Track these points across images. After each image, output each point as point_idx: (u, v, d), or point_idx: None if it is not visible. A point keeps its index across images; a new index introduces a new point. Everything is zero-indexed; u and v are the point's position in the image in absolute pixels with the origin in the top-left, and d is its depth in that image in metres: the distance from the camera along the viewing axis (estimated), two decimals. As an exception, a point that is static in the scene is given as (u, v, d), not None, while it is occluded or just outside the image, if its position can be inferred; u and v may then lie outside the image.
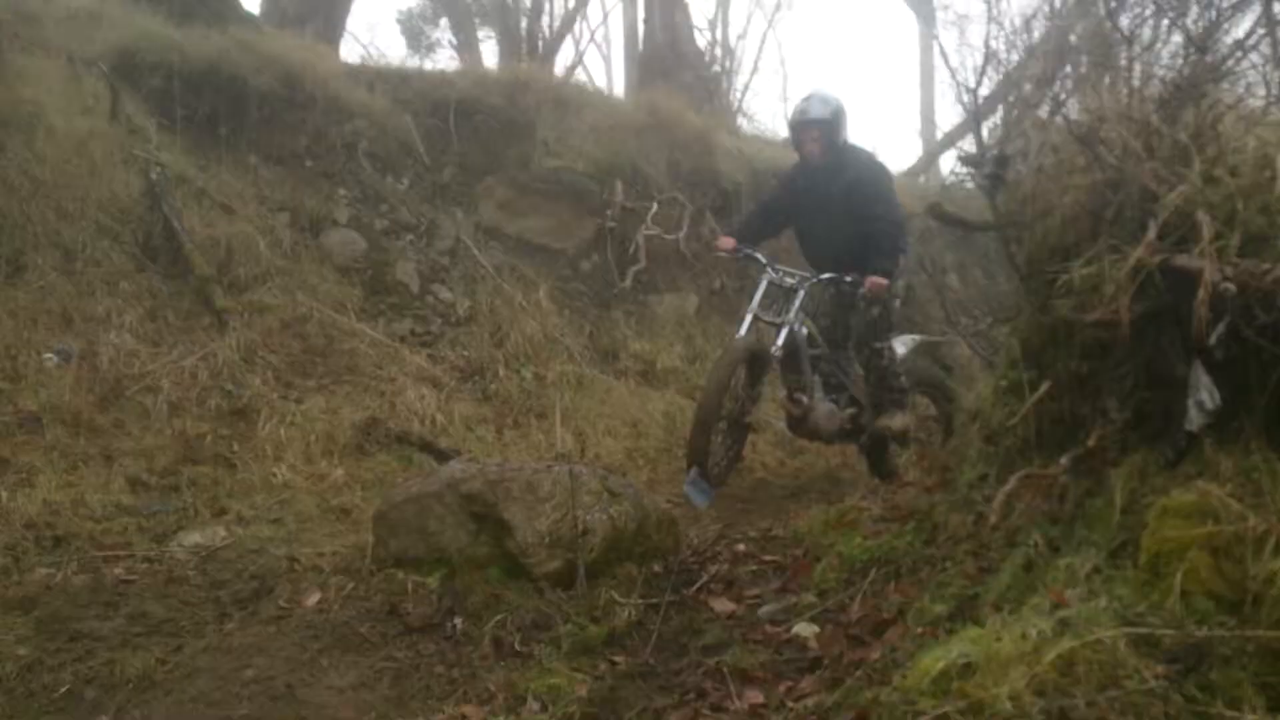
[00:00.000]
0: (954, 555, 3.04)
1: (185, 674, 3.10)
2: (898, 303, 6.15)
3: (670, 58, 12.20)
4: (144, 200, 6.98)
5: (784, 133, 14.40)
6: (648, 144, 9.26)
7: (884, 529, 3.40)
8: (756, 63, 23.67)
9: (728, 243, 5.99)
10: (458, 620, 3.32)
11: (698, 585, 3.46)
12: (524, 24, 14.18)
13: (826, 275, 5.67)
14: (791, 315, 5.55)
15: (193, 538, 4.52)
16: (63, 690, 3.08)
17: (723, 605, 3.31)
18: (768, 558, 3.57)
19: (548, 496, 3.62)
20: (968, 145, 12.18)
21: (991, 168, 3.29)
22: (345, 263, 7.66)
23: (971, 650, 2.24)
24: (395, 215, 8.26)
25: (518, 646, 3.19)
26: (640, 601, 3.37)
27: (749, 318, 5.57)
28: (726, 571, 3.53)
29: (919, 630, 2.71)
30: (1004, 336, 4.29)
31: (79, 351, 5.91)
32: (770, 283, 5.63)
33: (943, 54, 22.14)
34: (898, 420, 5.83)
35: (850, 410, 5.90)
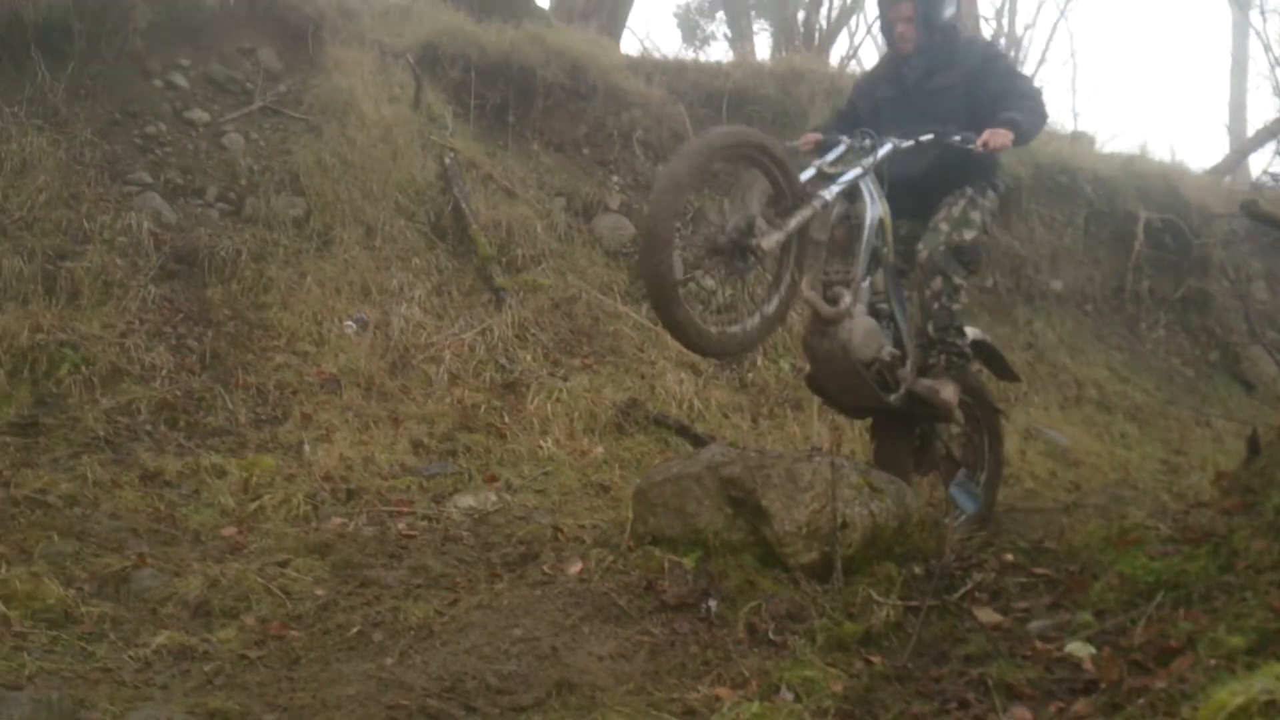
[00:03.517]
0: (1256, 585, 2.78)
1: (460, 627, 3.30)
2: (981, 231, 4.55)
3: (951, 47, 11.75)
4: (437, 183, 7.48)
5: (1071, 125, 13.60)
6: (923, 134, 8.99)
7: (1173, 550, 3.14)
8: (1044, 54, 22.70)
9: (811, 136, 4.55)
10: (713, 602, 3.35)
11: (961, 592, 3.32)
12: (801, 15, 14.08)
13: (927, 135, 4.28)
14: (868, 161, 4.17)
15: (467, 500, 4.83)
16: (354, 631, 3.35)
17: (988, 615, 3.17)
18: (1039, 570, 3.38)
19: (807, 487, 3.57)
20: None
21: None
22: (614, 247, 7.89)
23: (1276, 686, 2.04)
24: (664, 202, 8.42)
25: (772, 635, 3.17)
26: (899, 602, 3.28)
27: (811, 170, 4.13)
28: (993, 581, 3.36)
29: (1211, 662, 2.50)
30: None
31: (374, 321, 6.42)
32: (851, 146, 4.28)
33: (1263, 41, 20.18)
34: (948, 390, 4.45)
35: (893, 350, 4.42)
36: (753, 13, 17.65)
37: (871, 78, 4.95)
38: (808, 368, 4.64)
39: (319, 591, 3.69)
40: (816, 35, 14.54)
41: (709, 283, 6.27)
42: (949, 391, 4.45)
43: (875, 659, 3.02)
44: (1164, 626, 2.78)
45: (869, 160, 4.21)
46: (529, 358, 6.50)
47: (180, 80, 7.33)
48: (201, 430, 5.28)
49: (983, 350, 4.95)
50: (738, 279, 4.04)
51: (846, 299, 4.21)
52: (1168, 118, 33.93)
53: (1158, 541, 3.23)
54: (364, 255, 6.82)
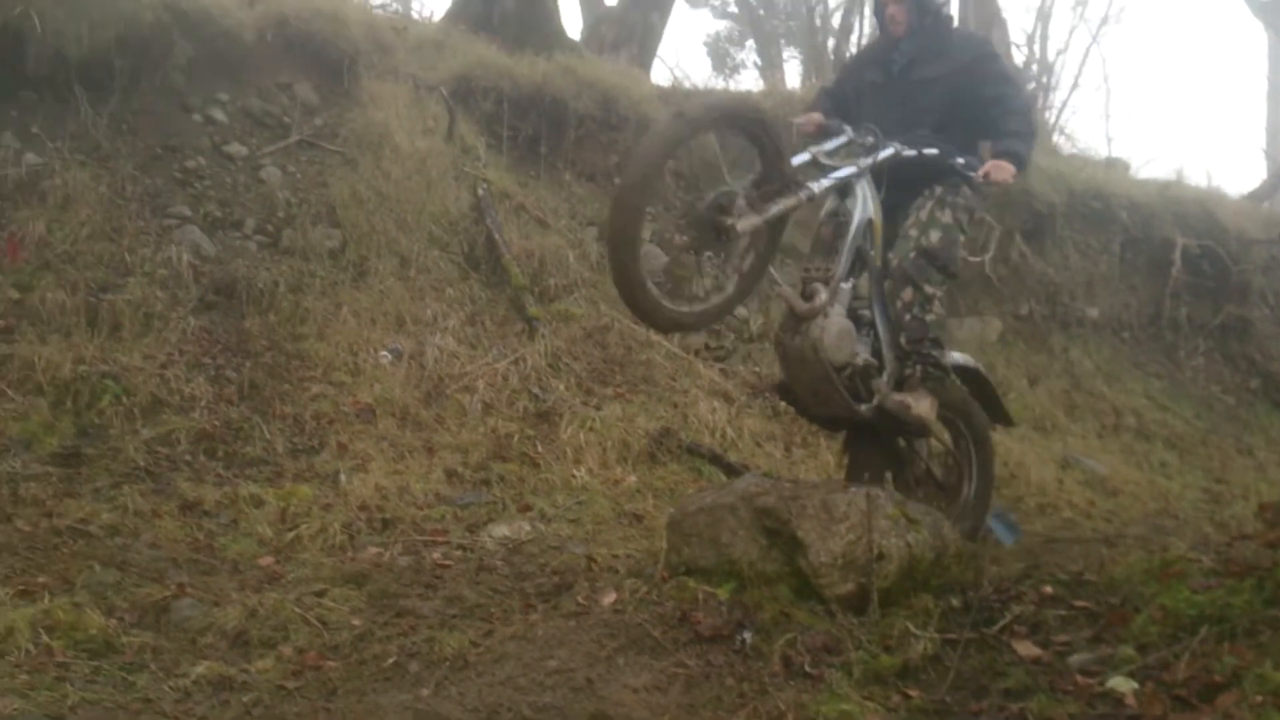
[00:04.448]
0: (1300, 619, 2.74)
1: (495, 658, 3.30)
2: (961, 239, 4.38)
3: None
4: (470, 214, 7.55)
5: (1105, 151, 13.53)
6: (955, 162, 8.99)
7: (1216, 583, 3.10)
8: (1077, 79, 22.60)
9: (814, 117, 4.38)
10: (747, 634, 3.33)
11: (1000, 625, 3.28)
12: (831, 43, 14.13)
13: (931, 150, 4.15)
14: (866, 161, 4.05)
15: (501, 530, 4.83)
16: (390, 662, 3.36)
17: (1027, 649, 3.13)
18: (1079, 603, 3.33)
19: (843, 517, 3.55)
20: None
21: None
22: (647, 276, 7.91)
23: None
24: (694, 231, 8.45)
25: (808, 668, 3.15)
26: (937, 635, 3.24)
27: (806, 155, 3.97)
28: (1032, 614, 3.32)
29: (1258, 698, 2.46)
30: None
31: (409, 351, 6.47)
32: (853, 141, 4.14)
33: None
34: (923, 405, 4.20)
35: (869, 358, 4.19)
36: (782, 41, 17.76)
37: (861, 59, 4.86)
38: (779, 371, 4.44)
39: (355, 621, 3.71)
40: (846, 63, 14.57)
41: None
42: (923, 407, 4.21)
43: (913, 693, 2.98)
44: (1208, 661, 2.74)
45: (867, 160, 4.07)
46: (562, 387, 6.52)
47: (219, 115, 7.45)
48: (240, 460, 5.33)
49: (974, 380, 4.75)
50: (704, 255, 3.88)
51: (822, 296, 4.00)
52: (1203, 143, 33.53)
53: (1201, 574, 3.19)
54: (399, 286, 6.89)
